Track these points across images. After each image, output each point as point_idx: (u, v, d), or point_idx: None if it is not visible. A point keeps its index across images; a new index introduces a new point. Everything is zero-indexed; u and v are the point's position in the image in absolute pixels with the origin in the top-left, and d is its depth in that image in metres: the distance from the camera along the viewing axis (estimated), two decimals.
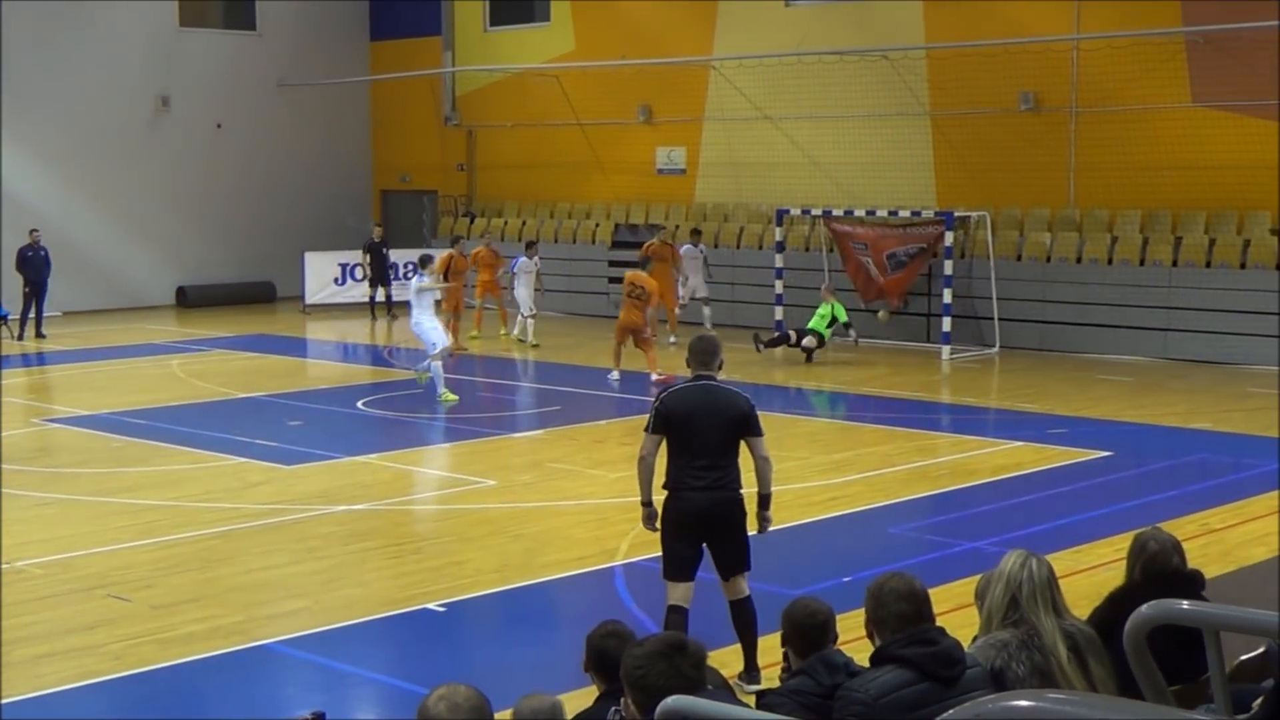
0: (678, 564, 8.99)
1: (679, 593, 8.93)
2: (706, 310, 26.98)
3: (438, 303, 26.12)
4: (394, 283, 31.18)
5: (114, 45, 32.77)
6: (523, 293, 26.75)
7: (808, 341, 24.19)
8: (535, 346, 25.98)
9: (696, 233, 27.68)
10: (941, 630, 5.32)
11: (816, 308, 24.54)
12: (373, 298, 31.48)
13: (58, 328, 29.00)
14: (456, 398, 20.00)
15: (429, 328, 20.38)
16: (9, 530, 13.32)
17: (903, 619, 5.24)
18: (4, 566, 11.98)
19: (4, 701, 8.96)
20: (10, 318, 28.24)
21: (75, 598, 11.14)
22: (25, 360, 26.23)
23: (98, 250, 32.63)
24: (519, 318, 26.84)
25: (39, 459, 16.82)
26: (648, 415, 9.04)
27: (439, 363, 20.14)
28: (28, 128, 31.18)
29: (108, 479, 15.43)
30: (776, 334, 24.74)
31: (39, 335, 27.84)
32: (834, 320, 24.34)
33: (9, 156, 30.49)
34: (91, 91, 32.42)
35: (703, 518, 8.93)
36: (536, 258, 27.23)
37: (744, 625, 9.04)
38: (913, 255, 25.51)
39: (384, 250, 31.24)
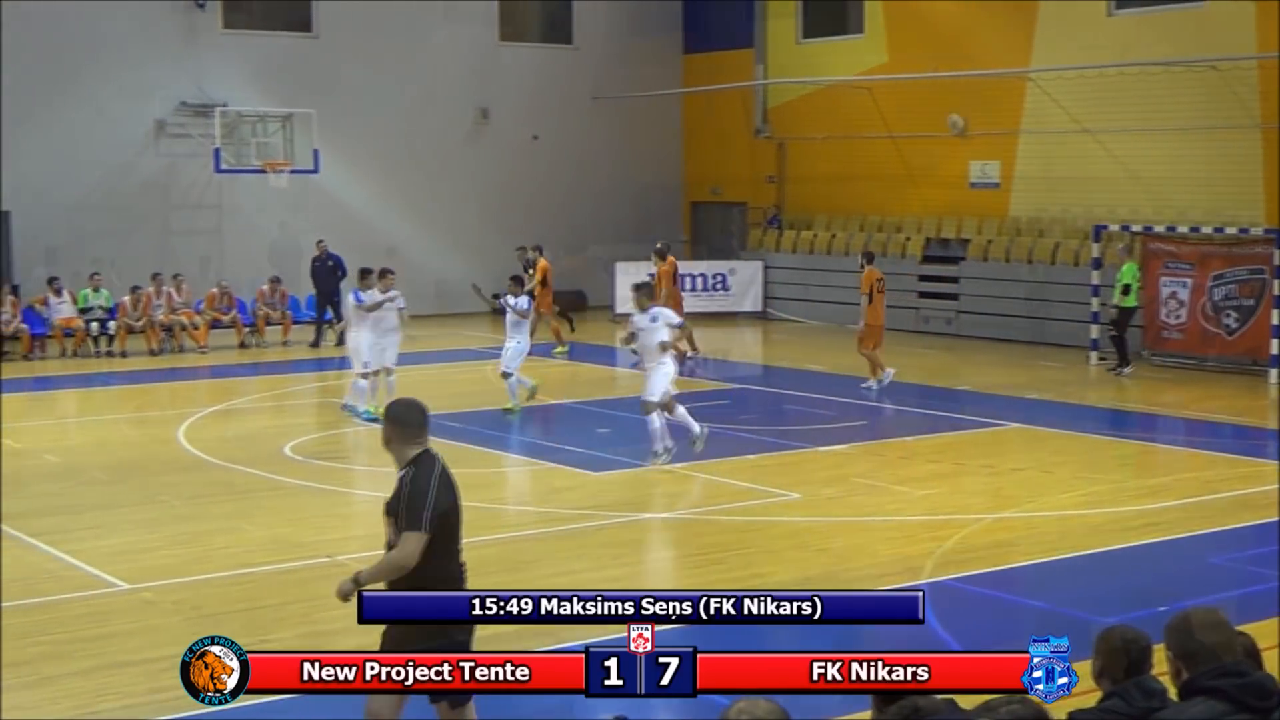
0: None
1: None
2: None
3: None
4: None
5: (437, 59, 33.90)
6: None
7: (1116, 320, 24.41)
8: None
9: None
10: (1249, 662, 5.09)
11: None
12: None
13: None
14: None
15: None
16: (334, 525, 13.88)
17: (1214, 650, 5.02)
18: (323, 560, 12.48)
19: None
20: (335, 323, 29.42)
21: None
22: (348, 363, 27.27)
23: (418, 257, 33.68)
24: None
25: (360, 458, 17.47)
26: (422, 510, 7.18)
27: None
28: (353, 139, 32.44)
29: None
30: (1116, 348, 24.34)
31: (340, 343, 28.85)
32: (1128, 288, 24.05)
33: (338, 168, 31.75)
34: (416, 104, 33.59)
35: None
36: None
37: None
38: (1243, 283, 24.47)
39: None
